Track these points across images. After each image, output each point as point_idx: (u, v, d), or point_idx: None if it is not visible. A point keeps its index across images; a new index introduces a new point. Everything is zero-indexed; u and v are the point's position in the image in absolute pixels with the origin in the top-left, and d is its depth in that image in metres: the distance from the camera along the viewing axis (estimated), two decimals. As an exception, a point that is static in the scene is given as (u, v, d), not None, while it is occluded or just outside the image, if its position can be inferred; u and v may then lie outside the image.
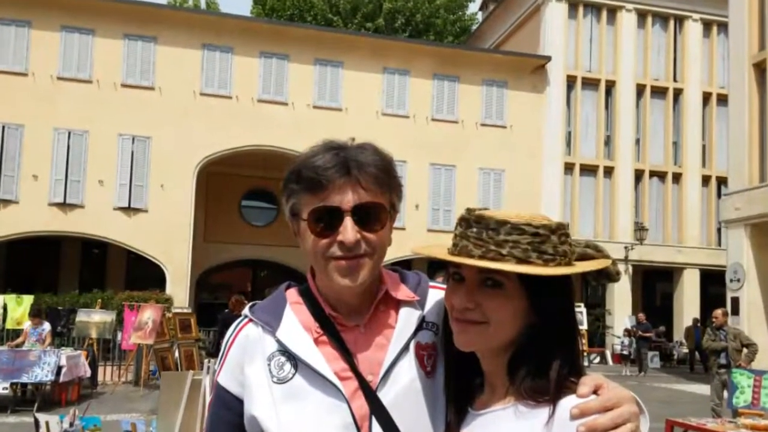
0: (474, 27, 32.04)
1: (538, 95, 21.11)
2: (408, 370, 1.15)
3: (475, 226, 1.00)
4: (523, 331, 1.01)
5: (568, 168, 21.34)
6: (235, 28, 19.07)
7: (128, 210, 17.78)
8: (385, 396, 1.12)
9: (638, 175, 21.91)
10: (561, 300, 1.02)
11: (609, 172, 21.69)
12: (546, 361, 0.98)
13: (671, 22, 22.61)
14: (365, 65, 19.79)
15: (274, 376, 1.13)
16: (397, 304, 1.22)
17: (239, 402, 1.16)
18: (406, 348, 1.16)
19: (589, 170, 21.65)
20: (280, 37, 19.50)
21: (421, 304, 1.22)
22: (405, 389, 1.14)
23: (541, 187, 20.64)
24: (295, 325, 1.17)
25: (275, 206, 21.71)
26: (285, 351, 1.14)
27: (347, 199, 1.11)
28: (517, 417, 0.98)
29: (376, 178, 1.13)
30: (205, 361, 3.38)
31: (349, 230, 1.10)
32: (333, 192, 1.10)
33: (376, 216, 1.13)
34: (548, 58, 20.88)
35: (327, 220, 1.11)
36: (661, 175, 22.15)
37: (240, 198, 22.32)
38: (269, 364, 1.15)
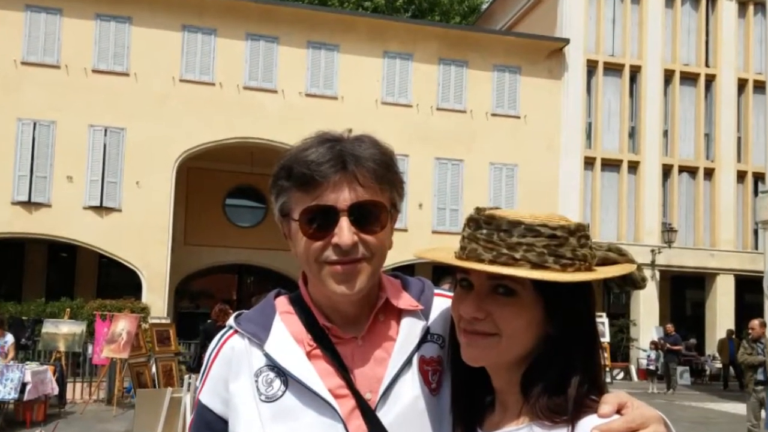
0: (484, 6, 32.06)
1: (555, 82, 21.15)
2: (411, 387, 1.15)
3: (485, 228, 1.00)
4: (539, 343, 1.01)
5: (589, 163, 21.43)
6: (218, 8, 19.07)
7: (100, 209, 17.77)
8: (385, 416, 1.11)
9: (666, 171, 22.01)
10: (580, 309, 1.02)
11: (634, 167, 21.78)
12: (564, 377, 0.98)
13: (703, 1, 22.67)
14: (363, 49, 19.80)
15: (262, 394, 1.12)
16: (399, 313, 1.21)
17: (223, 422, 1.16)
18: (408, 362, 1.16)
19: (611, 165, 21.74)
20: (269, 18, 19.49)
21: (425, 313, 1.22)
22: (407, 409, 1.13)
23: (558, 183, 20.72)
24: (286, 338, 1.16)
25: (263, 205, 21.68)
26: (274, 366, 1.14)
27: (343, 197, 1.10)
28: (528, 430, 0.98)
29: (375, 174, 1.12)
30: (186, 377, 3.44)
31: (345, 232, 1.09)
32: (327, 189, 1.10)
33: (375, 216, 1.13)
34: (566, 41, 20.92)
35: (321, 221, 1.10)
36: (691, 171, 22.24)
37: (224, 196, 22.35)
38: (257, 381, 1.14)
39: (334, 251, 1.10)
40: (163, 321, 12.64)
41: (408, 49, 20.18)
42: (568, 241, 0.98)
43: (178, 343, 12.95)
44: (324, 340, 1.16)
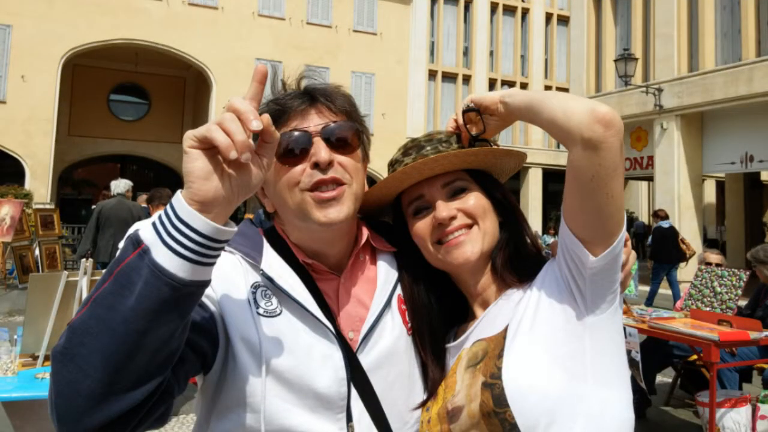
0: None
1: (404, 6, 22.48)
2: (391, 328, 1.14)
3: (428, 144, 1.19)
4: (498, 234, 1.18)
5: (432, 75, 23.74)
6: None
7: (-15, 101, 17.58)
8: (366, 357, 1.10)
9: (491, 84, 24.57)
10: (505, 195, 1.22)
11: (467, 80, 24.37)
12: (518, 246, 1.19)
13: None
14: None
15: (260, 308, 1.06)
16: (375, 254, 1.22)
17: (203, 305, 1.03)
18: (388, 303, 1.15)
19: (449, 77, 24.12)
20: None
21: (396, 255, 1.23)
22: (387, 350, 1.12)
23: (408, 91, 22.56)
24: (279, 262, 1.13)
25: (146, 101, 21.72)
26: (270, 285, 1.09)
27: (315, 122, 1.10)
28: (507, 298, 1.14)
29: (341, 106, 1.14)
30: (83, 261, 3.23)
31: (320, 149, 1.07)
32: (298, 118, 1.11)
33: (346, 137, 1.11)
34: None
35: (296, 146, 1.07)
36: (510, 84, 24.78)
37: (108, 92, 22.00)
38: (254, 293, 1.07)
39: (312, 173, 1.07)
40: (47, 206, 11.86)
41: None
42: (450, 140, 1.21)
43: (62, 227, 12.51)
44: (305, 277, 1.12)
